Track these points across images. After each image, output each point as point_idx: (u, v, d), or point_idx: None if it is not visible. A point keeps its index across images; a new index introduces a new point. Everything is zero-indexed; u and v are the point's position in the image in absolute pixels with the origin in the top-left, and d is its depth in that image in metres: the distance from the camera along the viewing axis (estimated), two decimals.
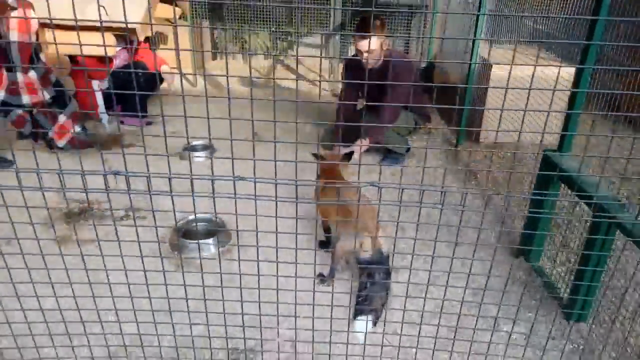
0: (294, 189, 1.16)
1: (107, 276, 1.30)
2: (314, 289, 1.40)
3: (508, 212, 2.85)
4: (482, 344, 1.74)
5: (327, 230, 2.41)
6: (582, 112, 2.37)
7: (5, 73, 2.98)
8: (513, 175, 3.26)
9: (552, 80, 1.32)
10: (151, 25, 3.76)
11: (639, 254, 2.13)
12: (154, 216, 1.29)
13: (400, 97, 3.20)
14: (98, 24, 1.23)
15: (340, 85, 4.74)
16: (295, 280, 1.33)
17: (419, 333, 1.48)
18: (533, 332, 1.93)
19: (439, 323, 1.43)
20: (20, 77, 3.01)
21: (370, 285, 1.95)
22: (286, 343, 1.88)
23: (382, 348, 1.47)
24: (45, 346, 1.53)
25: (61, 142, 3.31)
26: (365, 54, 3.06)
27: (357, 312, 1.93)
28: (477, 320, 1.83)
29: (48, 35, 3.39)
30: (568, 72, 3.54)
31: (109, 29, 3.38)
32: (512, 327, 1.83)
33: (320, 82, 5.01)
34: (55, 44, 3.13)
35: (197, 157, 3.44)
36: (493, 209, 2.93)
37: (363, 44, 3.05)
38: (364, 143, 3.23)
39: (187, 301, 1.38)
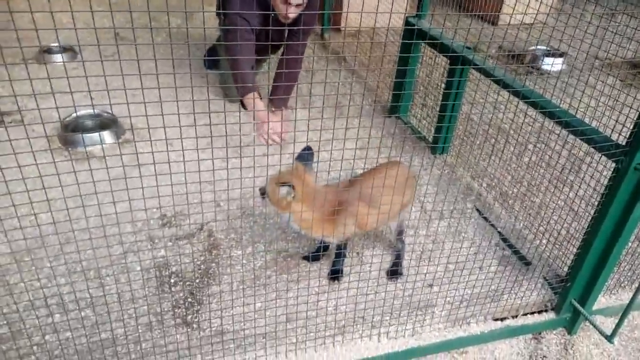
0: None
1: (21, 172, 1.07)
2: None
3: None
4: None
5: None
6: None
7: None
8: (374, 57, 3.66)
9: None
10: None
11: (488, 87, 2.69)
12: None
13: (306, 39, 2.82)
14: None
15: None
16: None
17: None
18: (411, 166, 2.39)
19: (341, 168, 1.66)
20: None
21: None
22: (211, 204, 2.06)
23: None
24: None
25: None
26: (292, 9, 2.48)
27: None
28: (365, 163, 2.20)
29: None
30: None
31: None
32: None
33: None
34: None
35: (57, 60, 3.15)
36: (363, 84, 3.32)
37: None
38: (278, 127, 2.48)
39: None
